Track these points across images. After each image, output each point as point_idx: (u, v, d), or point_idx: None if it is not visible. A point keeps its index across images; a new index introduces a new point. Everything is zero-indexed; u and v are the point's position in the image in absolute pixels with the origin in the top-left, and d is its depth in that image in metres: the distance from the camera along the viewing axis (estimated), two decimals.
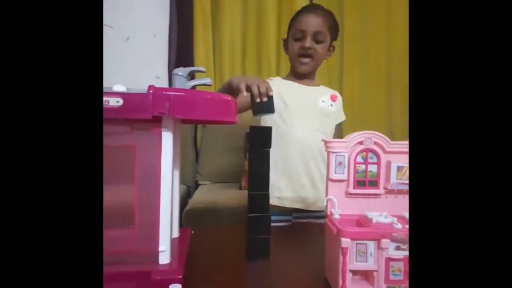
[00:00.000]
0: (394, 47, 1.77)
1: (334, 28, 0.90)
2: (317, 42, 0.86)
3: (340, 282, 0.38)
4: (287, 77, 0.95)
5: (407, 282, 0.38)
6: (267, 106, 0.60)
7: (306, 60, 0.87)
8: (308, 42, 0.85)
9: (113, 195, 0.37)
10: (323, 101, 0.89)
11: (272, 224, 0.51)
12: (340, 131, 0.94)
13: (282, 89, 0.88)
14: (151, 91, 0.35)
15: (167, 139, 0.38)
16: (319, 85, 0.94)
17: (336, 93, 0.94)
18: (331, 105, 0.90)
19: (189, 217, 1.16)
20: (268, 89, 0.61)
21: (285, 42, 0.94)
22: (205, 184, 1.59)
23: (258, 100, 0.59)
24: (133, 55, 1.70)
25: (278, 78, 0.97)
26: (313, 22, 0.85)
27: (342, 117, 0.93)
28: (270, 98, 0.60)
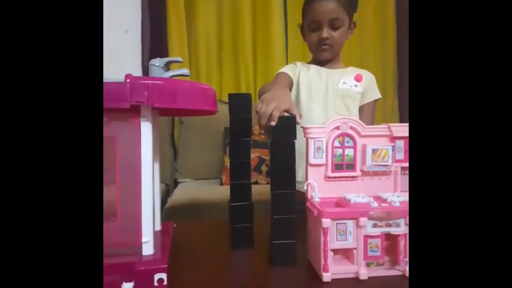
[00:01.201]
0: (366, 42, 1.83)
1: (350, 5, 0.85)
2: (335, 28, 0.83)
3: (322, 262, 0.40)
4: (311, 62, 0.92)
5: (385, 257, 0.41)
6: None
7: (325, 47, 0.84)
8: (325, 33, 0.82)
9: None
10: (344, 83, 0.86)
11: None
12: (371, 109, 0.90)
13: (301, 73, 0.87)
14: (128, 80, 0.35)
15: (146, 129, 0.38)
16: (346, 67, 0.91)
17: (363, 72, 0.90)
18: (355, 85, 0.87)
19: (169, 214, 1.15)
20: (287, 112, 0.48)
21: (302, 29, 0.90)
22: (184, 181, 1.57)
23: (272, 123, 0.45)
24: (104, 52, 1.64)
25: (301, 63, 0.93)
26: (327, 9, 0.81)
27: (372, 96, 0.89)
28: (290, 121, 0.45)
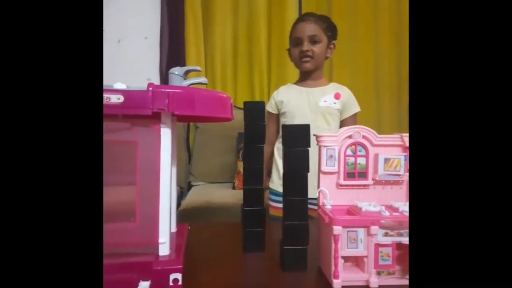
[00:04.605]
0: (381, 47, 1.82)
1: (329, 29, 1.02)
2: (314, 43, 0.98)
3: (333, 268, 0.40)
4: (296, 82, 1.07)
5: (396, 266, 0.41)
6: None
7: (306, 59, 0.99)
8: (305, 46, 0.98)
9: (115, 189, 0.39)
10: (324, 101, 1.00)
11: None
12: (353, 122, 1.02)
13: (286, 95, 1.02)
14: (150, 88, 0.37)
15: (165, 135, 0.40)
16: (326, 84, 1.04)
17: (342, 90, 1.03)
18: (335, 103, 1.00)
19: (183, 217, 1.17)
20: None
21: (289, 51, 1.06)
22: (198, 184, 1.60)
23: None
24: (124, 58, 1.70)
25: (288, 85, 1.09)
26: (306, 28, 0.99)
27: (352, 110, 1.02)
28: None
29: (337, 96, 1.01)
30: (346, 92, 1.03)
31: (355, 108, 1.03)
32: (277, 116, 1.06)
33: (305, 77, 1.04)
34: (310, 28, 0.98)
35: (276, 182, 1.05)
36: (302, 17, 1.03)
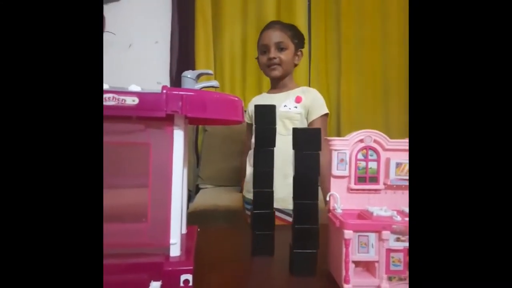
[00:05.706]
0: (389, 52, 1.81)
1: (296, 37, 1.04)
2: (280, 50, 1.01)
3: (344, 273, 0.40)
4: (268, 91, 1.09)
5: (407, 272, 0.40)
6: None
7: (274, 66, 1.01)
8: (272, 53, 1.00)
9: (127, 190, 0.39)
10: (284, 106, 1.00)
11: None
12: (320, 124, 1.00)
13: (254, 104, 1.05)
14: (164, 91, 0.37)
15: (178, 136, 0.40)
16: (292, 89, 1.04)
17: (307, 93, 1.02)
18: (296, 107, 1.00)
19: (191, 219, 1.17)
20: None
21: (258, 60, 1.08)
22: (206, 187, 1.60)
23: None
24: (135, 61, 1.73)
25: (261, 94, 1.11)
26: (272, 35, 1.01)
27: (318, 112, 1.01)
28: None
29: (297, 100, 1.01)
30: (311, 95, 1.03)
31: (321, 110, 1.02)
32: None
33: (274, 85, 1.06)
34: (276, 36, 1.00)
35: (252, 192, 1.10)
36: (268, 25, 1.05)
